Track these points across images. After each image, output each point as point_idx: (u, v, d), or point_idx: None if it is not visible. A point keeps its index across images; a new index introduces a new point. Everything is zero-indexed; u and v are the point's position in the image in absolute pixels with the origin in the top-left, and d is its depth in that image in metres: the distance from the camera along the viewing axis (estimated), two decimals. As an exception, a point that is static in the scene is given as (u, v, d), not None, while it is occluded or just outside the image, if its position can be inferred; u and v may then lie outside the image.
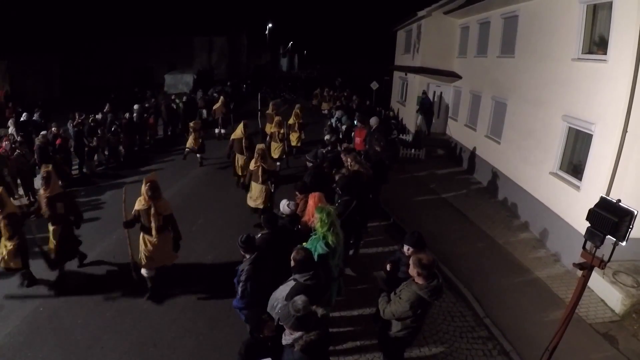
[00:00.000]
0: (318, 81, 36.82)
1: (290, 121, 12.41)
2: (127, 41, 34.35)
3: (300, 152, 12.00)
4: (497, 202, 9.72)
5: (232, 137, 9.33)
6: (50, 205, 5.65)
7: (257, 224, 7.07)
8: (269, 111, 13.35)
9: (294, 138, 12.32)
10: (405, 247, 4.21)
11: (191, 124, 11.94)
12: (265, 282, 4.08)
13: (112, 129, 12.34)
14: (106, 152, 12.12)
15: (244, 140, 9.01)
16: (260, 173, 7.34)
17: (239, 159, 9.13)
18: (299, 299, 2.92)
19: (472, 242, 7.60)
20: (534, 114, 8.51)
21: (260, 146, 7.56)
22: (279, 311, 3.65)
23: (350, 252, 6.60)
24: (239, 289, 4.07)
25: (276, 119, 11.72)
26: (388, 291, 3.86)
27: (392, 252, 5.23)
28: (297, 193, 5.64)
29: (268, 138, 11.61)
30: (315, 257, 4.10)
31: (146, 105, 15.92)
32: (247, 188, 7.92)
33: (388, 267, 4.29)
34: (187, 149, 11.96)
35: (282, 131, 11.10)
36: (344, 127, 12.72)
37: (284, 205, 5.21)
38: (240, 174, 9.10)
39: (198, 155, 12.00)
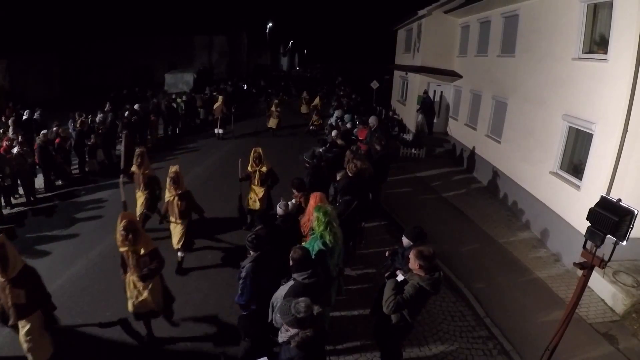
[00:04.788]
0: (319, 81, 36.69)
1: (138, 208, 6.86)
2: (127, 41, 34.34)
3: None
4: (497, 202, 9.71)
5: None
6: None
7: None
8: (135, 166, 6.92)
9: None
10: (405, 241, 4.27)
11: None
12: (267, 281, 4.09)
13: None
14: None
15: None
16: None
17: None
18: (303, 302, 2.92)
19: (472, 241, 7.59)
20: (534, 113, 8.50)
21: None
22: (278, 310, 3.66)
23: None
24: (239, 286, 4.11)
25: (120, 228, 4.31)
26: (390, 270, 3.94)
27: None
28: (294, 191, 5.62)
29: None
30: (313, 255, 4.10)
31: (149, 107, 15.84)
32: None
33: (387, 253, 4.54)
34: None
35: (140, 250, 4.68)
36: (348, 126, 12.65)
37: (278, 206, 5.22)
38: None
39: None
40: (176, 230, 6.24)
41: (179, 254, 6.32)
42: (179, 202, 6.06)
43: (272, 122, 16.15)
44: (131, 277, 4.42)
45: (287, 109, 22.17)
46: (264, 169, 7.05)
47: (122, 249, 4.35)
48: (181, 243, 6.19)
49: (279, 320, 3.12)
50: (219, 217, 8.33)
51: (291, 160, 10.49)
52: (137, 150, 7.12)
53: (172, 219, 6.25)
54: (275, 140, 15.20)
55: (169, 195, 6.17)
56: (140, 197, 7.06)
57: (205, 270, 6.42)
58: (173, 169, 6.13)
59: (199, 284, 6.04)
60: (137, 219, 6.15)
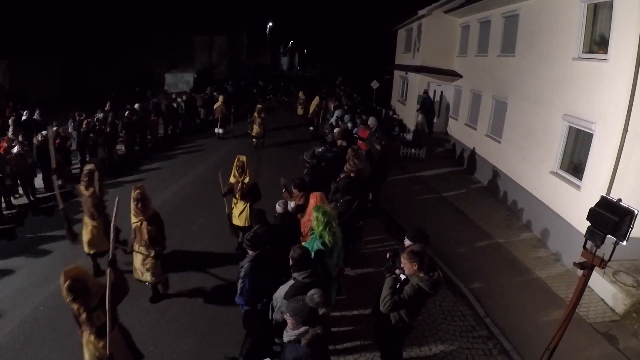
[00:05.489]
0: (318, 81, 36.62)
1: (85, 236, 6.10)
2: (127, 41, 34.32)
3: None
4: (497, 202, 9.70)
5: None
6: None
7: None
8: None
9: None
10: (407, 242, 4.28)
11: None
12: (266, 281, 4.09)
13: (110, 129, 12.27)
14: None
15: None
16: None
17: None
18: (316, 292, 2.96)
19: (472, 241, 7.59)
20: (534, 113, 8.49)
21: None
22: (279, 310, 3.66)
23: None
24: (238, 286, 4.11)
25: None
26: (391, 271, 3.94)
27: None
28: (295, 190, 5.62)
29: None
30: (313, 255, 4.11)
31: (149, 107, 15.81)
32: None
33: (388, 255, 4.52)
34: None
35: None
36: (348, 126, 12.61)
37: (277, 204, 5.23)
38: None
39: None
40: (146, 261, 5.30)
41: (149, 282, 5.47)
42: (149, 227, 5.13)
43: (255, 130, 13.71)
44: (89, 337, 3.61)
45: (286, 109, 22.24)
46: (247, 180, 6.44)
47: (71, 305, 3.50)
48: (153, 276, 5.38)
49: (280, 320, 3.12)
50: (219, 218, 8.34)
51: (289, 162, 10.47)
52: (86, 169, 5.99)
53: (139, 247, 5.24)
54: (274, 142, 15.18)
55: (135, 220, 5.22)
56: (88, 225, 5.96)
57: (204, 271, 6.41)
58: (137, 190, 5.16)
59: (199, 284, 6.03)
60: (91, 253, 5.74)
